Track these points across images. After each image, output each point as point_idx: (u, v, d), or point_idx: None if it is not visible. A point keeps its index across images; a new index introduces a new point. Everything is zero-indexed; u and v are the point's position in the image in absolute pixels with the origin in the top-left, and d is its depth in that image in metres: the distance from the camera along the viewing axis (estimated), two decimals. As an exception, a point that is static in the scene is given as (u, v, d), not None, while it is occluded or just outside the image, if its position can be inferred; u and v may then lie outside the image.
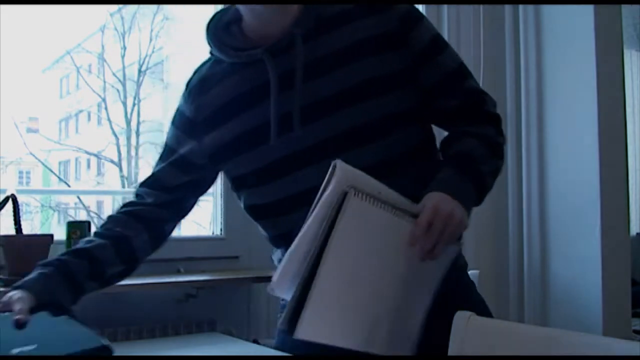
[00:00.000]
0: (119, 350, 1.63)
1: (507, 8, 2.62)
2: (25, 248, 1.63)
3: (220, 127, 1.20)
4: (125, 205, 1.32)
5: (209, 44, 1.24)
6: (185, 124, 1.27)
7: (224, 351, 1.62)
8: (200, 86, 1.25)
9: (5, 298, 1.08)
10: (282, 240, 1.20)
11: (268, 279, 2.00)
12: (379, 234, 1.05)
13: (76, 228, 1.71)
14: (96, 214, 4.85)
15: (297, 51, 1.12)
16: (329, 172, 1.00)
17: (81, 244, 1.23)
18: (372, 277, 1.06)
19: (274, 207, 1.19)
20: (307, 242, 0.99)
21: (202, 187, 1.33)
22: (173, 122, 1.31)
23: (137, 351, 1.61)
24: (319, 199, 1.00)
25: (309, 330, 0.98)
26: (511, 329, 1.00)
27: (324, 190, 1.00)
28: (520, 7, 2.60)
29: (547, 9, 2.52)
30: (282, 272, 1.00)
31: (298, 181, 1.13)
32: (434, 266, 1.09)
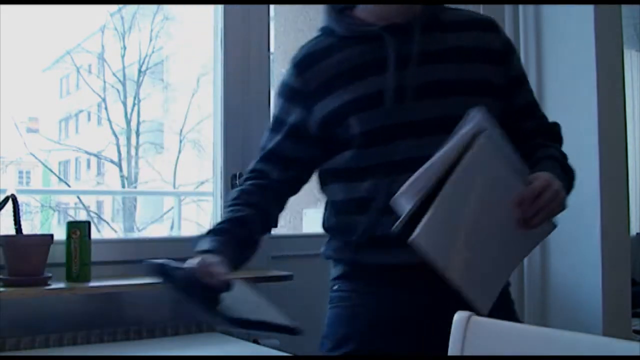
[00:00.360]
0: (119, 350, 1.64)
1: (507, 8, 2.62)
2: (25, 248, 1.63)
3: (332, 94, 1.30)
4: (248, 179, 1.37)
5: (326, 19, 1.37)
6: (294, 95, 1.36)
7: (224, 351, 1.62)
8: (308, 59, 1.35)
9: (199, 259, 1.13)
10: (358, 205, 1.28)
11: (268, 279, 2.01)
12: (494, 181, 1.18)
13: (76, 228, 1.71)
14: (96, 214, 4.85)
15: (415, 38, 1.28)
16: (467, 115, 1.17)
17: (232, 213, 1.29)
18: (480, 218, 1.17)
19: (368, 171, 1.28)
20: (437, 165, 1.13)
21: (314, 162, 1.39)
22: (281, 96, 1.39)
23: (137, 351, 1.61)
24: (456, 133, 1.15)
25: (424, 237, 1.11)
26: (511, 329, 1.00)
27: (461, 127, 1.16)
28: (520, 7, 2.60)
29: (547, 9, 2.52)
30: (409, 186, 1.13)
31: (397, 151, 1.26)
32: (525, 238, 1.22)
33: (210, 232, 1.24)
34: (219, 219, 2.10)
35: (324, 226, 1.39)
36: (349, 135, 1.29)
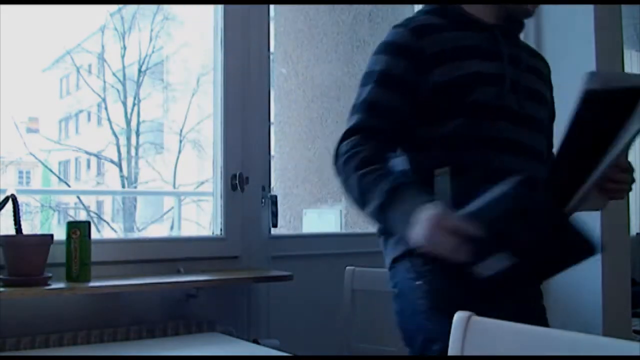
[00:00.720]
0: (119, 350, 1.64)
1: (507, 8, 2.62)
2: (25, 248, 1.63)
3: (453, 63, 1.40)
4: (366, 137, 1.37)
5: (438, 4, 1.50)
6: (409, 53, 1.41)
7: (224, 351, 1.62)
8: (424, 28, 1.43)
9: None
10: (455, 171, 1.34)
11: (268, 279, 2.01)
12: (630, 133, 1.23)
13: (76, 228, 1.71)
14: (96, 214, 4.85)
15: (520, 43, 1.52)
16: None
17: (389, 169, 1.34)
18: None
19: (472, 141, 1.38)
20: (633, 80, 1.22)
21: (408, 119, 1.42)
22: (391, 53, 1.42)
23: (137, 351, 1.61)
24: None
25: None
26: (511, 329, 1.00)
27: None
28: (520, 7, 2.60)
29: (547, 9, 2.52)
30: (603, 77, 1.20)
31: (500, 129, 1.40)
32: (585, 200, 1.31)
33: (402, 185, 1.28)
34: (218, 219, 2.12)
35: None
36: (463, 103, 1.38)
